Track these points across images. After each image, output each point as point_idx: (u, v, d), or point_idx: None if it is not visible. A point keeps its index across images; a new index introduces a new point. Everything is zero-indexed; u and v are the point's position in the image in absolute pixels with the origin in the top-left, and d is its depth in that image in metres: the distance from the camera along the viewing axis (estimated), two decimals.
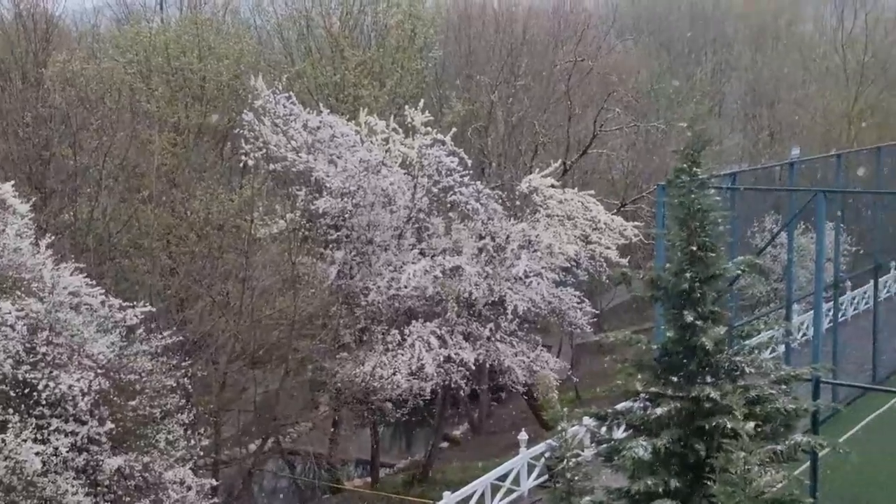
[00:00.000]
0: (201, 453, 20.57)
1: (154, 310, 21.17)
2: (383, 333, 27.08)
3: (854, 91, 58.58)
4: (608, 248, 29.67)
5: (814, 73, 63.73)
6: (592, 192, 31.20)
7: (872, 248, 33.87)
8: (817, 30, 71.96)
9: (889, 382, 30.14)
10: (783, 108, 59.21)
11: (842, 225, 34.46)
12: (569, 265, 29.59)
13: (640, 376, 17.34)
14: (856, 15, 64.13)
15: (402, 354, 26.25)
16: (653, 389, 17.10)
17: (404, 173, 28.71)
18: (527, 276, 27.86)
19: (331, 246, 28.41)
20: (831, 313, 32.02)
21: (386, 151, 28.95)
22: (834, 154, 33.65)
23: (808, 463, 21.25)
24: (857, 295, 38.04)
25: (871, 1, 64.74)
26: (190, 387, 21.05)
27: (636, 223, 31.56)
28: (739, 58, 66.85)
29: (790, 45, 66.65)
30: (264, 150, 29.00)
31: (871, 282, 33.82)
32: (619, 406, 18.98)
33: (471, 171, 29.17)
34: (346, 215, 28.02)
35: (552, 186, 30.08)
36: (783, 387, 17.36)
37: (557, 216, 29.51)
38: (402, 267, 27.26)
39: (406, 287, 26.52)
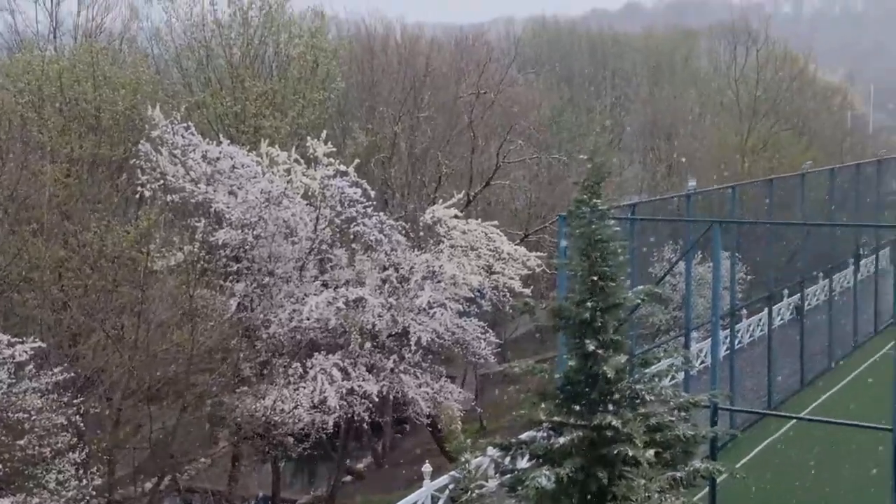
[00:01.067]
0: (94, 493, 19.89)
1: (45, 345, 20.47)
2: (285, 366, 26.63)
3: (747, 125, 60.50)
4: (511, 278, 29.81)
5: (709, 108, 65.72)
6: (496, 222, 31.36)
7: (766, 277, 34.72)
8: (712, 65, 74.31)
9: (783, 407, 30.83)
10: (681, 141, 60.77)
11: (737, 254, 35.25)
12: (472, 296, 29.61)
13: (543, 406, 17.35)
14: (747, 52, 66.35)
15: (304, 387, 25.84)
16: (556, 418, 17.12)
17: (306, 204, 28.43)
18: (430, 307, 27.78)
19: (231, 278, 27.90)
20: (728, 341, 32.67)
21: (288, 182, 28.64)
22: (729, 186, 34.46)
23: (706, 488, 21.55)
24: (752, 322, 38.94)
25: (762, 38, 67.01)
26: (82, 424, 20.36)
27: (539, 253, 31.82)
28: (638, 92, 68.54)
29: (686, 80, 68.70)
30: (162, 182, 28.41)
31: (766, 310, 34.64)
32: (523, 436, 18.94)
33: (374, 203, 29.04)
34: (247, 247, 27.59)
35: (456, 217, 30.14)
36: (682, 413, 17.58)
37: (461, 247, 29.55)
38: (304, 299, 26.91)
39: (308, 319, 26.17)
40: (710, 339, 29.60)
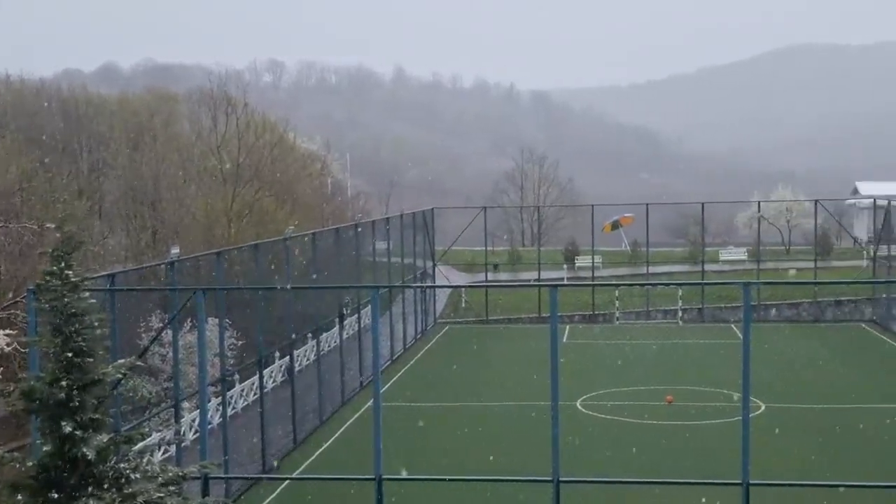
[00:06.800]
0: None
1: None
2: None
3: (232, 191, 61.17)
4: None
5: (193, 174, 65.47)
6: None
7: (257, 341, 34.86)
8: (194, 131, 74.40)
9: (279, 470, 31.01)
10: (165, 208, 59.72)
11: (228, 320, 35.03)
12: None
13: (18, 497, 15.86)
14: (227, 118, 67.42)
15: None
16: None
17: None
18: None
19: None
20: (221, 408, 32.23)
21: None
22: (215, 252, 34.24)
23: None
24: (245, 387, 38.91)
25: (242, 106, 68.51)
26: None
27: (9, 331, 29.10)
28: (117, 156, 66.31)
29: (168, 145, 67.80)
30: None
31: (258, 373, 34.75)
32: None
33: None
34: None
35: None
36: (172, 488, 16.93)
37: None
38: None
39: None
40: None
